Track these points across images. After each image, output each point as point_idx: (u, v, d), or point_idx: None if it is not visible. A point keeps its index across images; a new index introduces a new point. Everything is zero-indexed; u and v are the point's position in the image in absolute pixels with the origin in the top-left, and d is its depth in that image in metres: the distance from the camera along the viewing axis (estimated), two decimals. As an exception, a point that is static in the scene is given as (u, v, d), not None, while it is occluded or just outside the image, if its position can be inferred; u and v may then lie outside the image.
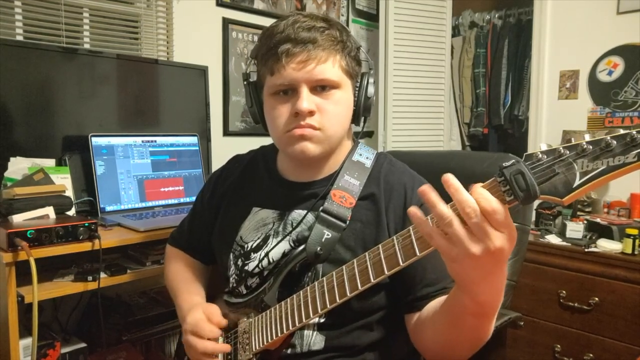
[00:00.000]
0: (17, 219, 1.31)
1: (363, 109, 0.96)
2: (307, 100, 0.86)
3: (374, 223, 0.91)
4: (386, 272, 0.72)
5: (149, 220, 1.55)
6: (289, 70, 0.86)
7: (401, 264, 0.70)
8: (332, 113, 0.89)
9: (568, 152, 0.57)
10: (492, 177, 0.61)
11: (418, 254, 0.68)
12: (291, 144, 0.90)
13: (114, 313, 1.71)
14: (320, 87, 0.88)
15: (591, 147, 0.56)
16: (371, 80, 0.96)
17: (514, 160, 0.59)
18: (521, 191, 0.58)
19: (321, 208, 0.91)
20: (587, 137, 0.56)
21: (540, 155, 0.58)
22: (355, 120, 0.97)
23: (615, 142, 0.54)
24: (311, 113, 0.87)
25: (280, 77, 0.87)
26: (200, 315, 0.95)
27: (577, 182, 0.57)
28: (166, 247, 1.22)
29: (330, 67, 0.87)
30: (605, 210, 2.39)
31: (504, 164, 0.59)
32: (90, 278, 1.33)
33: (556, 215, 2.29)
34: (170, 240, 1.22)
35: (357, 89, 0.95)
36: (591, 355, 1.97)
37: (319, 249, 0.88)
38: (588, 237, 2.10)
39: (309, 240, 0.89)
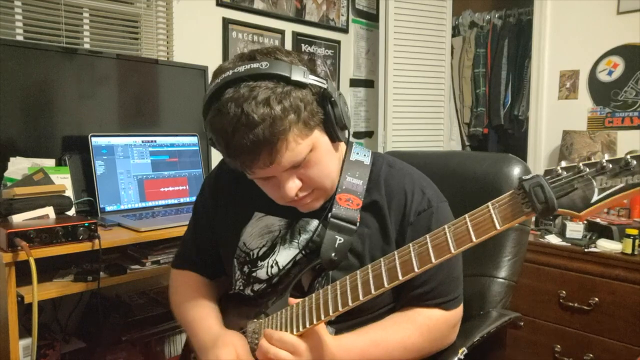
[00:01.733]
0: (17, 219, 1.31)
1: (341, 130, 0.86)
2: (289, 187, 0.83)
3: (380, 230, 0.91)
4: (400, 277, 0.72)
5: (149, 220, 1.55)
6: (258, 171, 0.81)
7: (416, 270, 0.70)
8: (317, 174, 0.85)
9: (588, 169, 0.59)
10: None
11: (434, 261, 0.69)
12: (296, 206, 0.90)
13: (113, 313, 1.71)
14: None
15: (611, 165, 0.58)
16: (333, 98, 0.82)
17: (534, 174, 0.62)
18: (539, 203, 0.60)
19: (330, 214, 0.90)
20: (607, 157, 0.59)
21: (560, 171, 0.61)
22: (337, 139, 0.87)
23: (635, 161, 0.56)
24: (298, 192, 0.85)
25: (254, 175, 0.84)
26: (232, 355, 0.87)
27: (595, 197, 0.59)
28: (170, 273, 1.12)
29: (294, 148, 0.79)
30: (605, 210, 2.39)
31: (524, 177, 0.62)
32: (90, 278, 1.33)
33: (556, 215, 2.29)
34: (175, 263, 1.12)
35: (324, 123, 0.83)
36: (591, 355, 1.97)
37: (333, 255, 0.87)
38: (588, 237, 2.09)
39: (322, 247, 0.88)
